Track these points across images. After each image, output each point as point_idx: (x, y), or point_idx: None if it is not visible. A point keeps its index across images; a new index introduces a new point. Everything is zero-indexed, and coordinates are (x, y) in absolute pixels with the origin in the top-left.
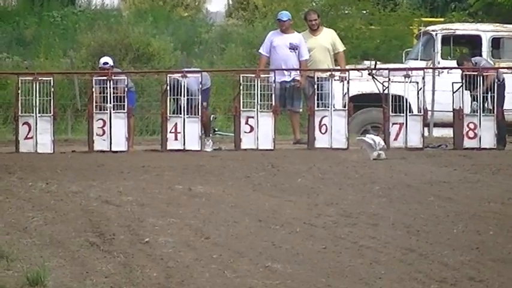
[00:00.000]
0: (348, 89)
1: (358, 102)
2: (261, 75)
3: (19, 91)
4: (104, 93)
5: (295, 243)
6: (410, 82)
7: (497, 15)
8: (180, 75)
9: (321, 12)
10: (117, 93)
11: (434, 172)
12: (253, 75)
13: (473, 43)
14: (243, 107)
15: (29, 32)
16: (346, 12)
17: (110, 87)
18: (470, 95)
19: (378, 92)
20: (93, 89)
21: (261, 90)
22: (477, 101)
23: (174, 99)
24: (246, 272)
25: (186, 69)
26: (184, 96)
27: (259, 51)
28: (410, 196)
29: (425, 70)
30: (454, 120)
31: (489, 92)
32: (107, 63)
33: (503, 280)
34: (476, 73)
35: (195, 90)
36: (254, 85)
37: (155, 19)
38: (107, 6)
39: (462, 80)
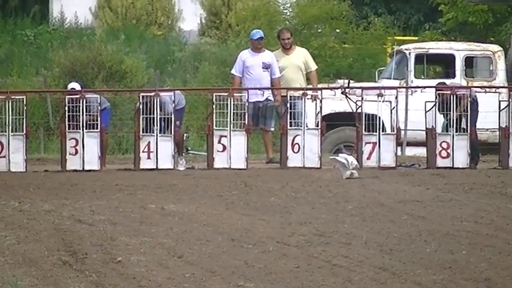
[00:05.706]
0: (320, 107)
1: (331, 121)
2: (234, 95)
3: None
4: (76, 112)
5: (268, 262)
6: (383, 101)
7: (470, 34)
8: (153, 93)
9: (294, 30)
10: (88, 115)
11: (407, 191)
12: (226, 94)
13: (446, 62)
14: (215, 126)
15: (1, 50)
16: (320, 30)
17: (81, 107)
18: (444, 117)
19: (350, 110)
20: (66, 108)
21: (234, 109)
22: (451, 122)
23: (146, 118)
24: None
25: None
26: (157, 115)
27: (232, 72)
28: (383, 215)
29: (398, 89)
30: (426, 140)
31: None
32: (74, 89)
33: None
34: (449, 92)
35: (170, 110)
36: (227, 104)
37: (128, 37)
38: (81, 24)
39: (435, 99)
